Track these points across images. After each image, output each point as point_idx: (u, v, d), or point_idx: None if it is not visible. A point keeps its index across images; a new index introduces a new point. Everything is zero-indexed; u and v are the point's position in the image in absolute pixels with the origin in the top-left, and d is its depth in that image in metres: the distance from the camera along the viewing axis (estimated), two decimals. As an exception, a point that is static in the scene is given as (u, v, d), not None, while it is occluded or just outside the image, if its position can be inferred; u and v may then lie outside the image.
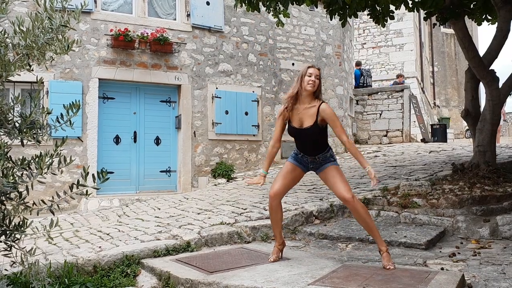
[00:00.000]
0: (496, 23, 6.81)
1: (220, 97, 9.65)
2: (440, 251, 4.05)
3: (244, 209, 5.47)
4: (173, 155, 9.28)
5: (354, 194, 3.50)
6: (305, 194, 6.27)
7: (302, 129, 3.58)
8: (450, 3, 6.73)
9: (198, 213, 5.54)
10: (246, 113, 9.93)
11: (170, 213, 5.79)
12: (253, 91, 10.17)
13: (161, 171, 9.12)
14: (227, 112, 9.71)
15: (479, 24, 7.38)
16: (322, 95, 3.68)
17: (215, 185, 8.81)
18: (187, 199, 7.15)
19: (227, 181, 9.06)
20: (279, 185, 3.66)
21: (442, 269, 3.39)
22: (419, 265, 3.59)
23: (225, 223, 4.83)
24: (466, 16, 7.05)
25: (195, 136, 9.34)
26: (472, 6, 6.99)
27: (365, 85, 14.62)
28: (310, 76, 3.54)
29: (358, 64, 15.47)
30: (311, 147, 3.61)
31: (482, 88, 6.98)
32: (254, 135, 10.06)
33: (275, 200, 3.68)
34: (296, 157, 3.71)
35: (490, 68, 6.66)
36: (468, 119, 7.01)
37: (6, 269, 3.09)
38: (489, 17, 7.20)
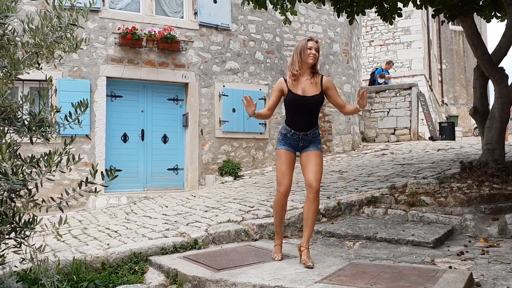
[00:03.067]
0: (506, 20, 6.74)
1: (227, 95, 9.65)
2: (448, 250, 4.03)
3: (251, 207, 5.48)
4: (180, 153, 9.31)
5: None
6: (312, 192, 6.25)
7: (307, 97, 3.59)
8: (459, 0, 6.68)
9: (205, 211, 5.55)
10: (253, 111, 9.91)
11: (178, 211, 5.82)
12: (260, 89, 10.16)
13: (169, 169, 9.15)
14: (234, 110, 9.71)
15: (488, 21, 7.32)
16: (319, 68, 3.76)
17: (222, 183, 8.83)
18: (194, 197, 7.17)
19: (234, 179, 9.07)
20: (289, 180, 3.63)
21: (450, 267, 3.38)
22: (427, 263, 3.58)
23: (232, 221, 4.84)
24: (475, 13, 6.99)
25: (202, 134, 9.36)
26: (481, 3, 6.93)
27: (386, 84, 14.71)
28: (310, 49, 3.57)
29: (389, 63, 15.61)
30: (307, 120, 3.62)
31: (491, 85, 6.92)
32: (261, 133, 10.06)
33: (287, 196, 3.66)
34: (285, 141, 3.67)
35: (499, 66, 6.60)
36: (477, 117, 6.96)
37: (15, 266, 3.12)
38: (498, 14, 7.13)
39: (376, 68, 15.46)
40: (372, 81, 14.83)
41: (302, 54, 3.59)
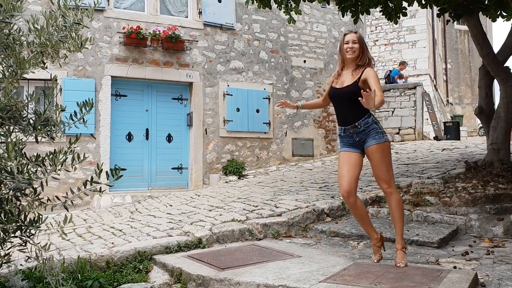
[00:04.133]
0: (511, 19, 6.71)
1: (231, 95, 9.66)
2: (453, 250, 4.02)
3: (255, 206, 5.48)
4: (184, 152, 9.32)
5: (394, 185, 3.46)
6: (316, 191, 6.26)
7: (340, 88, 3.46)
8: (464, 0, 6.65)
9: (210, 210, 5.56)
10: (258, 111, 9.92)
11: (182, 210, 5.82)
12: (265, 89, 10.16)
13: (173, 168, 9.17)
14: (238, 110, 9.72)
15: (494, 20, 7.27)
16: (369, 59, 3.46)
17: (226, 182, 8.83)
18: (199, 196, 7.18)
19: (238, 178, 9.07)
20: (346, 180, 3.41)
21: (454, 267, 3.36)
22: (432, 263, 3.57)
23: (237, 220, 4.84)
24: (481, 13, 6.95)
25: (206, 134, 9.37)
26: (486, 2, 6.90)
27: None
28: (347, 44, 3.44)
29: (403, 63, 15.74)
30: (347, 111, 3.42)
31: (496, 85, 6.89)
32: (265, 133, 10.06)
33: (350, 197, 3.43)
34: (342, 141, 3.52)
35: (504, 65, 6.57)
36: (482, 116, 6.93)
37: (21, 264, 3.13)
38: (504, 13, 7.08)
39: (391, 70, 15.61)
40: (390, 83, 14.93)
41: (342, 50, 3.50)
